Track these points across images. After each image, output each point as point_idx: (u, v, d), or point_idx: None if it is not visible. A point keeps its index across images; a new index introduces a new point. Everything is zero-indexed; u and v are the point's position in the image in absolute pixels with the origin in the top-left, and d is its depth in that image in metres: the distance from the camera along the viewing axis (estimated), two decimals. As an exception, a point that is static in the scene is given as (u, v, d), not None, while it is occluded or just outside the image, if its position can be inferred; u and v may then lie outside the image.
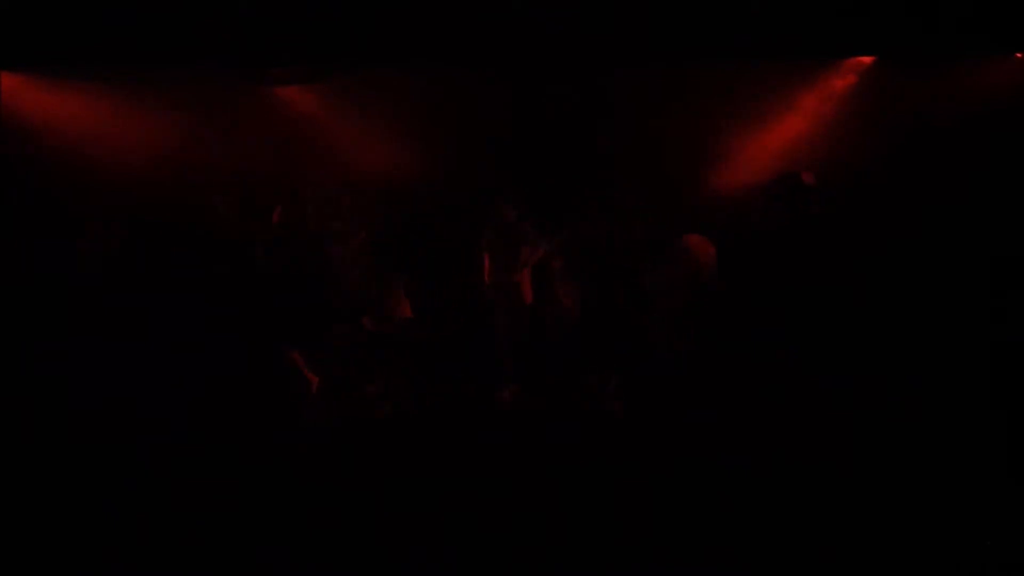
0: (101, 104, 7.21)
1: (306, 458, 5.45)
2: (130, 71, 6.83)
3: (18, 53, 6.43)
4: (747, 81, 7.31)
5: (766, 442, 5.45)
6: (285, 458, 5.45)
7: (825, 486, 4.88)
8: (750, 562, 4.35)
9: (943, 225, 6.74)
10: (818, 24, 6.25)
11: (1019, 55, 6.65)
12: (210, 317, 6.42)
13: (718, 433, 5.64)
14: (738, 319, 6.46)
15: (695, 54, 6.56)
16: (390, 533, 4.58)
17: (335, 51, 6.48)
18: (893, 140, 7.15)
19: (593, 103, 7.57)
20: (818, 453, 5.24)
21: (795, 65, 7.19)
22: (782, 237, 6.69)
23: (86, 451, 5.43)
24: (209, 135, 7.41)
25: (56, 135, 7.11)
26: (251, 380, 6.23)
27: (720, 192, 7.42)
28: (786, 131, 7.54)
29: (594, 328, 6.87)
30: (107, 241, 6.98)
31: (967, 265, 6.51)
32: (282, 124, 7.67)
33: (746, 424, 5.72)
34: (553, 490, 4.92)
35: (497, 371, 6.60)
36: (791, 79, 7.37)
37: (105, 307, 6.60)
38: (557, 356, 6.76)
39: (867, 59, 7.17)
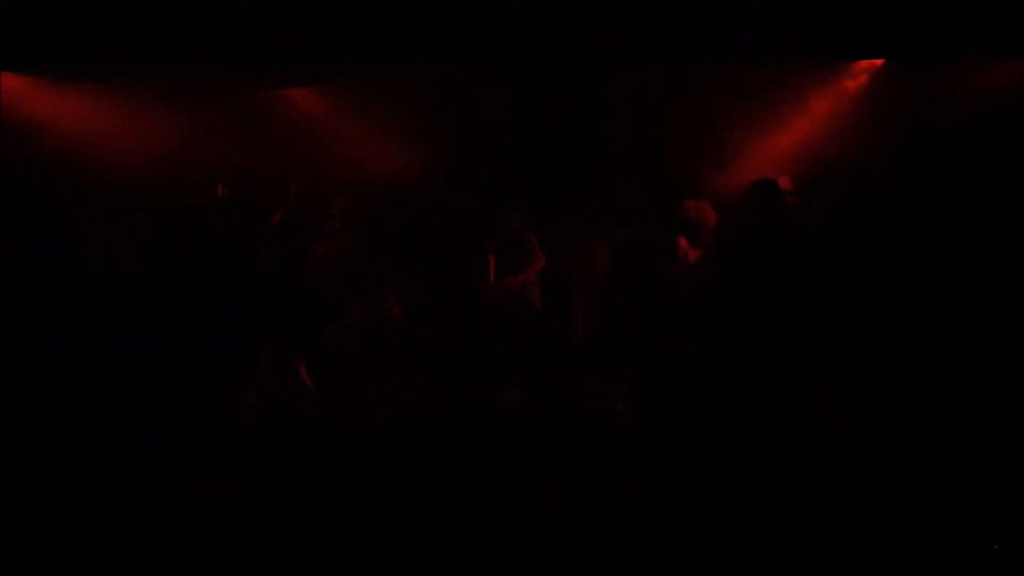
0: (101, 105, 7.22)
1: (306, 458, 5.45)
2: (130, 72, 6.84)
3: (19, 53, 6.43)
4: (747, 82, 7.31)
5: (766, 442, 5.44)
6: (285, 458, 5.44)
7: (825, 486, 4.88)
8: (750, 562, 4.35)
9: (943, 225, 6.74)
10: (818, 25, 6.24)
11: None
12: (210, 317, 6.42)
13: (718, 433, 5.64)
14: (738, 319, 6.46)
15: (694, 54, 6.56)
16: (390, 533, 4.58)
17: (335, 52, 6.48)
18: (893, 141, 7.15)
19: (593, 103, 7.58)
20: (818, 453, 5.23)
21: (795, 66, 7.19)
22: (781, 237, 6.68)
23: (86, 451, 5.43)
24: (209, 135, 7.42)
25: (56, 135, 7.11)
26: (250, 381, 6.23)
27: (720, 192, 7.42)
28: (786, 131, 7.55)
29: (599, 330, 6.87)
30: (107, 241, 6.98)
31: (967, 265, 6.51)
32: (283, 124, 7.68)
33: (746, 424, 5.72)
34: (553, 490, 4.91)
35: (501, 373, 6.59)
36: (791, 80, 7.38)
37: (105, 307, 6.60)
38: (562, 359, 6.75)
39: (868, 60, 7.18)
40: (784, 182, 6.88)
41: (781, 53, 6.54)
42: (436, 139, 7.66)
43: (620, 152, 7.58)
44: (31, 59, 6.54)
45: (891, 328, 6.39)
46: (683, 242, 6.43)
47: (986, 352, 6.05)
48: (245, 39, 6.29)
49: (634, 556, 4.40)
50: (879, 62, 7.13)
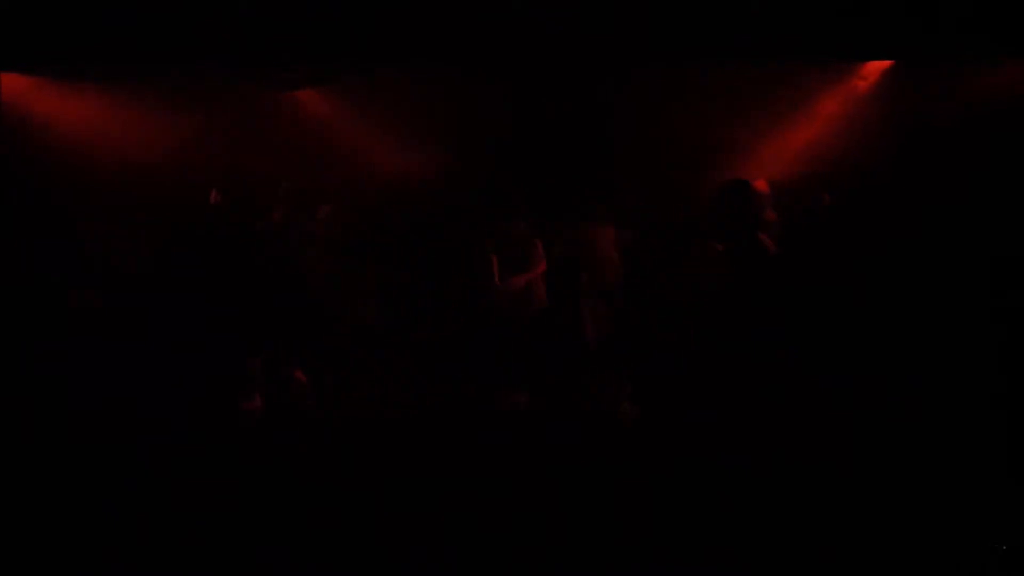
0: (101, 105, 7.23)
1: (306, 458, 5.45)
2: (131, 72, 6.84)
3: (19, 54, 6.43)
4: (747, 82, 7.32)
5: (766, 442, 5.44)
6: (285, 458, 5.45)
7: (825, 486, 4.88)
8: (750, 562, 4.35)
9: (943, 225, 6.74)
10: (818, 25, 6.25)
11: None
12: (210, 317, 6.42)
13: (719, 433, 5.64)
14: (738, 319, 6.46)
15: (694, 55, 6.56)
16: (390, 533, 4.58)
17: (336, 53, 6.49)
18: (895, 141, 7.16)
19: (593, 103, 7.58)
20: (818, 453, 5.23)
21: (796, 66, 7.19)
22: (753, 239, 6.70)
23: (86, 451, 5.43)
24: (209, 136, 7.42)
25: (56, 135, 7.11)
26: (248, 382, 6.23)
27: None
28: (787, 132, 7.56)
29: (610, 331, 6.87)
30: (107, 241, 6.98)
31: (968, 265, 6.51)
32: (283, 125, 7.69)
33: (746, 424, 5.72)
34: (553, 490, 4.91)
35: (503, 374, 6.58)
36: (792, 80, 7.39)
37: (105, 307, 6.60)
38: (568, 360, 6.75)
39: (870, 61, 7.18)
40: (761, 184, 6.86)
41: (781, 53, 6.54)
42: (436, 139, 7.67)
43: (620, 152, 7.58)
44: (32, 59, 6.54)
45: (891, 328, 6.39)
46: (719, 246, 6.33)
47: (986, 352, 6.05)
48: (246, 40, 6.29)
49: (634, 556, 4.39)
50: (883, 64, 7.13)
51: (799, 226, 6.92)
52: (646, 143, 7.48)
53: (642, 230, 7.02)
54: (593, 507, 4.76)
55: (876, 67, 7.18)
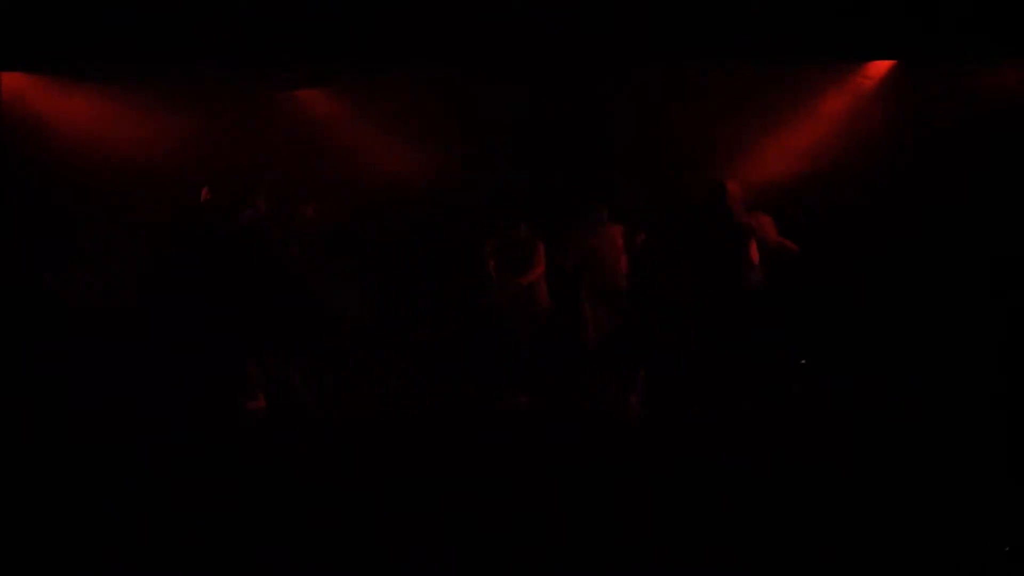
0: (101, 105, 7.22)
1: (306, 458, 5.45)
2: (131, 72, 6.84)
3: (21, 53, 6.43)
4: (748, 82, 7.31)
5: (766, 442, 5.45)
6: (285, 458, 5.45)
7: (825, 486, 4.88)
8: (750, 562, 4.35)
9: (944, 225, 6.74)
10: (819, 26, 6.25)
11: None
12: (210, 317, 6.42)
13: (719, 433, 5.64)
14: (738, 319, 6.46)
15: (694, 55, 6.56)
16: (390, 533, 4.58)
17: (335, 53, 6.49)
18: (894, 141, 7.15)
19: (593, 103, 7.58)
20: (818, 453, 5.23)
21: (797, 66, 7.19)
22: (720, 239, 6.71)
23: (86, 451, 5.43)
24: (209, 136, 7.42)
25: (57, 135, 7.11)
26: (246, 383, 6.24)
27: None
28: (787, 132, 7.55)
29: (611, 331, 6.87)
30: (107, 241, 6.98)
31: (967, 265, 6.51)
32: (283, 126, 7.69)
33: (746, 424, 5.72)
34: (553, 490, 4.91)
35: (504, 374, 6.58)
36: (792, 80, 7.38)
37: (105, 307, 6.60)
38: (570, 360, 6.75)
39: (870, 61, 7.18)
40: (733, 186, 6.88)
41: (782, 53, 6.54)
42: (436, 140, 7.67)
43: (620, 152, 7.58)
44: (33, 58, 6.54)
45: (891, 328, 6.40)
46: (754, 249, 6.32)
47: (986, 352, 6.05)
48: (246, 40, 6.29)
49: (634, 556, 4.39)
50: (884, 64, 7.13)
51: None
52: (646, 143, 7.48)
53: (643, 230, 7.01)
54: (593, 507, 4.76)
55: (877, 67, 7.18)
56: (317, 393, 6.38)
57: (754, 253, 6.26)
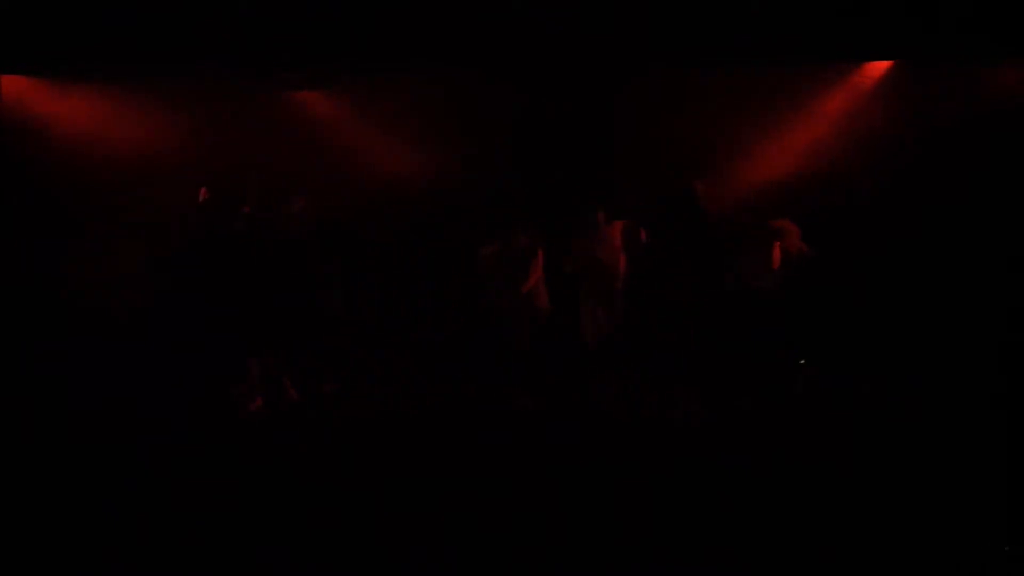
0: (101, 105, 7.22)
1: (306, 458, 5.45)
2: (131, 72, 6.84)
3: (22, 55, 6.43)
4: (748, 82, 7.31)
5: (766, 442, 5.45)
6: (285, 458, 5.45)
7: (825, 486, 4.88)
8: (750, 562, 4.35)
9: (943, 226, 6.74)
10: (819, 26, 6.24)
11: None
12: (209, 317, 6.42)
13: (719, 433, 5.64)
14: (738, 319, 6.46)
15: (694, 55, 6.56)
16: (390, 533, 4.58)
17: (335, 54, 6.48)
18: (894, 140, 7.15)
19: (593, 103, 7.58)
20: (818, 453, 5.23)
21: (797, 66, 7.19)
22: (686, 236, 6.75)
23: (86, 451, 5.43)
24: (208, 136, 7.42)
25: (57, 135, 7.11)
26: (244, 384, 6.24)
27: (720, 192, 7.42)
28: (788, 132, 7.55)
29: (604, 334, 6.87)
30: (107, 241, 6.98)
31: (967, 265, 6.51)
32: (282, 126, 7.69)
33: (746, 424, 5.72)
34: (553, 490, 4.91)
35: (504, 375, 6.58)
36: (792, 80, 7.38)
37: (105, 307, 6.60)
38: (567, 361, 6.75)
39: (870, 61, 7.18)
40: (700, 186, 6.92)
41: (782, 54, 6.53)
42: (436, 140, 7.67)
43: (620, 152, 7.58)
44: (32, 60, 6.54)
45: (891, 328, 6.40)
46: (777, 253, 6.35)
47: (986, 352, 6.05)
48: (246, 40, 6.29)
49: (634, 556, 4.39)
50: (884, 64, 7.13)
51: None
52: (646, 143, 7.48)
53: (643, 230, 7.01)
54: (593, 507, 4.76)
55: (877, 67, 7.18)
56: (317, 393, 6.38)
57: (776, 258, 6.30)
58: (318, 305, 6.73)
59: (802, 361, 6.22)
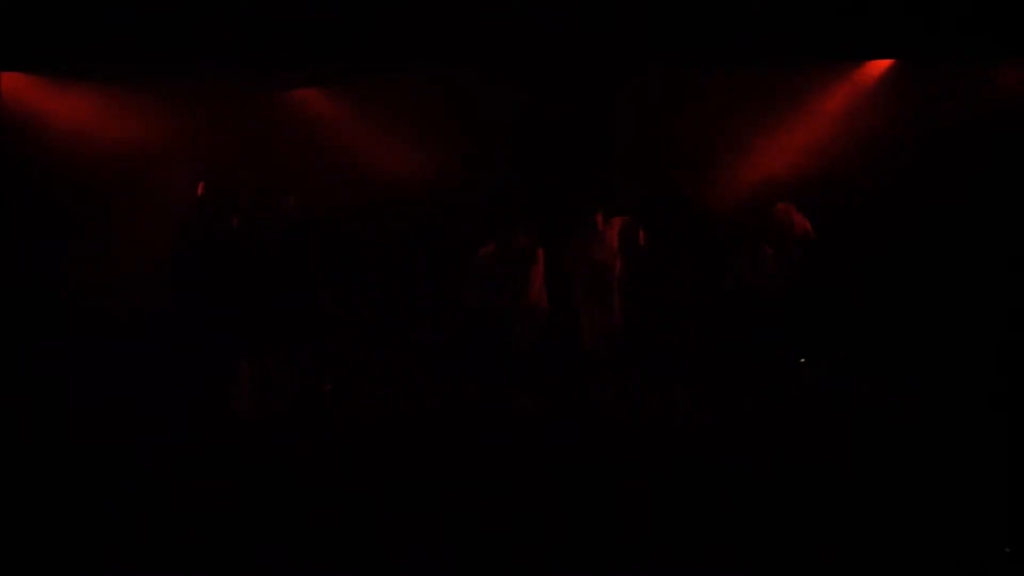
0: (101, 104, 7.22)
1: (306, 458, 5.45)
2: (131, 72, 6.84)
3: (22, 53, 6.42)
4: (748, 81, 7.31)
5: (766, 442, 5.45)
6: (285, 458, 5.44)
7: (825, 486, 4.88)
8: (750, 562, 4.35)
9: (943, 226, 6.74)
10: (819, 26, 6.24)
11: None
12: (209, 317, 6.42)
13: (718, 433, 5.64)
14: (738, 319, 6.46)
15: (694, 55, 6.56)
16: (390, 533, 4.58)
17: (335, 53, 6.48)
18: (894, 140, 7.15)
19: (593, 103, 7.58)
20: (818, 453, 5.23)
21: (796, 66, 7.19)
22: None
23: (86, 451, 5.43)
24: (208, 135, 7.42)
25: (57, 135, 7.11)
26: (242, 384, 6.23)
27: (719, 193, 7.43)
28: (788, 131, 7.54)
29: (603, 334, 6.87)
30: (107, 241, 6.98)
31: (967, 265, 6.51)
32: (282, 126, 7.69)
33: (746, 424, 5.72)
34: (553, 490, 4.91)
35: (504, 375, 6.58)
36: (792, 79, 7.38)
37: (105, 307, 6.60)
38: (567, 361, 6.75)
39: (869, 60, 7.18)
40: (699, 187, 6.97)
41: (781, 53, 6.53)
42: (436, 140, 7.67)
43: (620, 152, 7.58)
44: (32, 58, 6.54)
45: (891, 328, 6.39)
46: (769, 249, 6.36)
47: (986, 352, 6.05)
48: (246, 40, 6.29)
49: (634, 556, 4.40)
50: (884, 63, 7.13)
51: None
52: (646, 143, 7.48)
53: (643, 230, 7.01)
54: (593, 507, 4.76)
55: (877, 67, 7.18)
56: (316, 393, 6.38)
57: (766, 246, 6.30)
58: (317, 305, 6.74)
59: (802, 361, 6.22)
